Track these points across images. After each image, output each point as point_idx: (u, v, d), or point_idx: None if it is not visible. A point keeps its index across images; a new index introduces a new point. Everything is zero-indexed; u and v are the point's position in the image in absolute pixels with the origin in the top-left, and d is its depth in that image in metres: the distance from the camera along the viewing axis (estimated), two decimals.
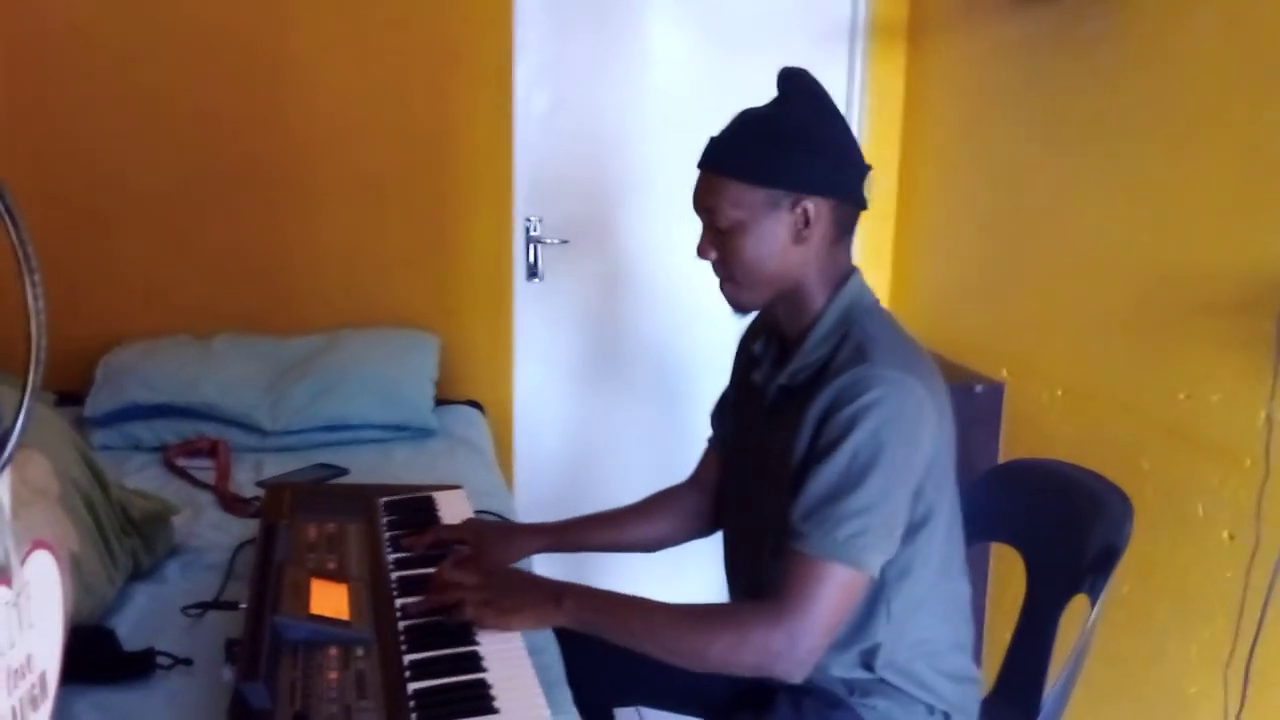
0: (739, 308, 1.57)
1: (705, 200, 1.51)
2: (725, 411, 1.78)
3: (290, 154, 2.84)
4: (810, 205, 1.47)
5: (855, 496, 1.37)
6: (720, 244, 1.51)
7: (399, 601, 1.48)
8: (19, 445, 0.71)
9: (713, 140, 1.52)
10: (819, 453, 1.41)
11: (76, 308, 2.72)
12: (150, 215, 2.80)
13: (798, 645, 1.36)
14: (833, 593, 1.37)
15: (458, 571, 1.53)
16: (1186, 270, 2.07)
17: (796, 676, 1.39)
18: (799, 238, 1.49)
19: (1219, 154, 1.99)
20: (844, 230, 1.53)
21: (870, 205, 1.55)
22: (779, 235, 1.48)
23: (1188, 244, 2.07)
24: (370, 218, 2.91)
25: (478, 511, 1.88)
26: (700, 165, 1.52)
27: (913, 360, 1.47)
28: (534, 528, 1.83)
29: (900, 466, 1.40)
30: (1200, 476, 2.03)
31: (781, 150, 1.46)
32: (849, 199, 1.51)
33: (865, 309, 1.52)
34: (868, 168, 1.53)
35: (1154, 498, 2.12)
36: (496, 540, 1.75)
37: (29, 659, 0.73)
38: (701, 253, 1.54)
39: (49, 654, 0.76)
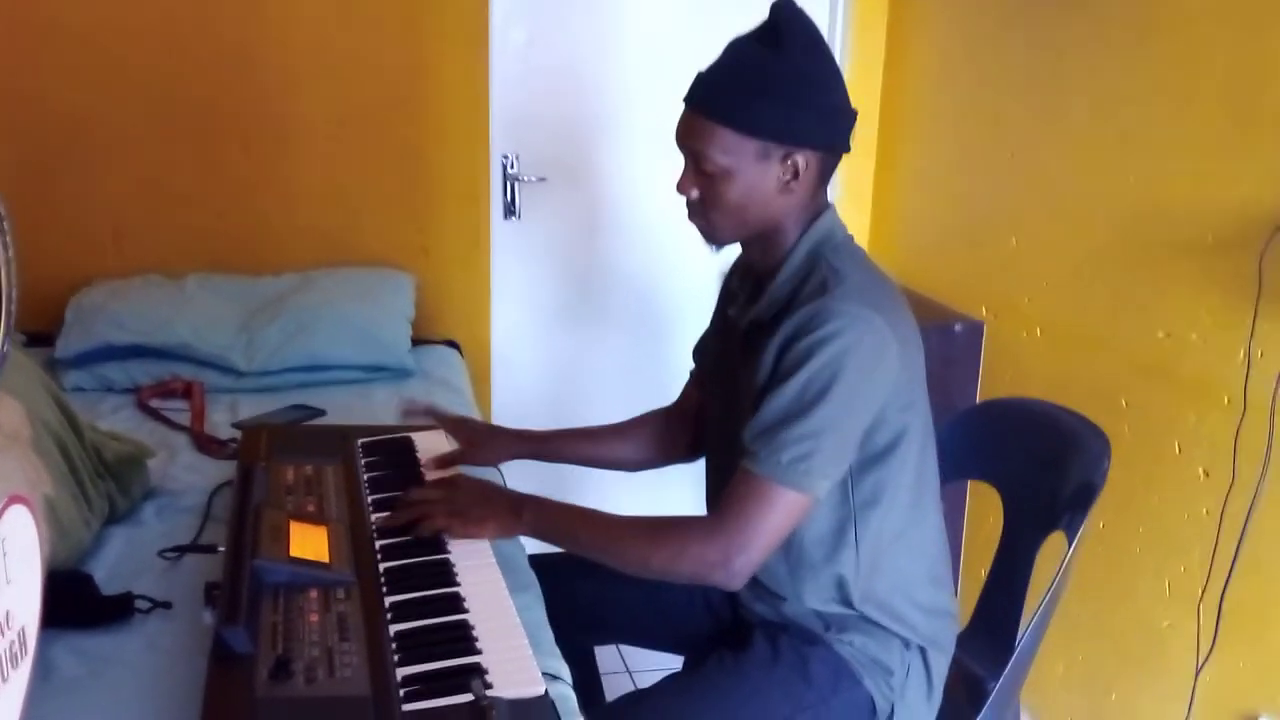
0: (712, 242, 1.56)
1: (692, 142, 1.48)
2: (706, 345, 1.78)
3: (261, 91, 2.78)
4: (800, 158, 1.45)
5: (804, 422, 1.38)
6: (703, 185, 1.49)
7: (379, 543, 1.47)
8: None
9: (701, 79, 1.48)
10: (776, 380, 1.42)
11: (45, 247, 2.67)
12: (119, 153, 2.74)
13: (733, 559, 1.40)
14: (771, 512, 1.40)
15: (425, 489, 1.60)
16: (1167, 210, 2.07)
17: (733, 586, 1.44)
18: (785, 189, 1.47)
19: (1201, 94, 1.98)
20: (827, 175, 1.52)
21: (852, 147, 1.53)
22: (765, 186, 1.46)
23: (1169, 184, 2.06)
24: (343, 155, 2.86)
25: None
26: (688, 103, 1.48)
27: (875, 294, 1.47)
28: (518, 433, 1.86)
29: (853, 398, 1.40)
30: (1178, 414, 2.05)
31: (776, 103, 1.42)
32: (838, 148, 1.50)
33: (834, 245, 1.52)
34: (855, 113, 1.51)
35: (1131, 435, 2.14)
36: (482, 438, 1.82)
37: (8, 615, 0.72)
38: (682, 189, 1.51)
39: (28, 610, 0.75)
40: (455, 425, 1.84)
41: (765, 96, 1.42)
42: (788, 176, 1.46)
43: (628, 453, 1.86)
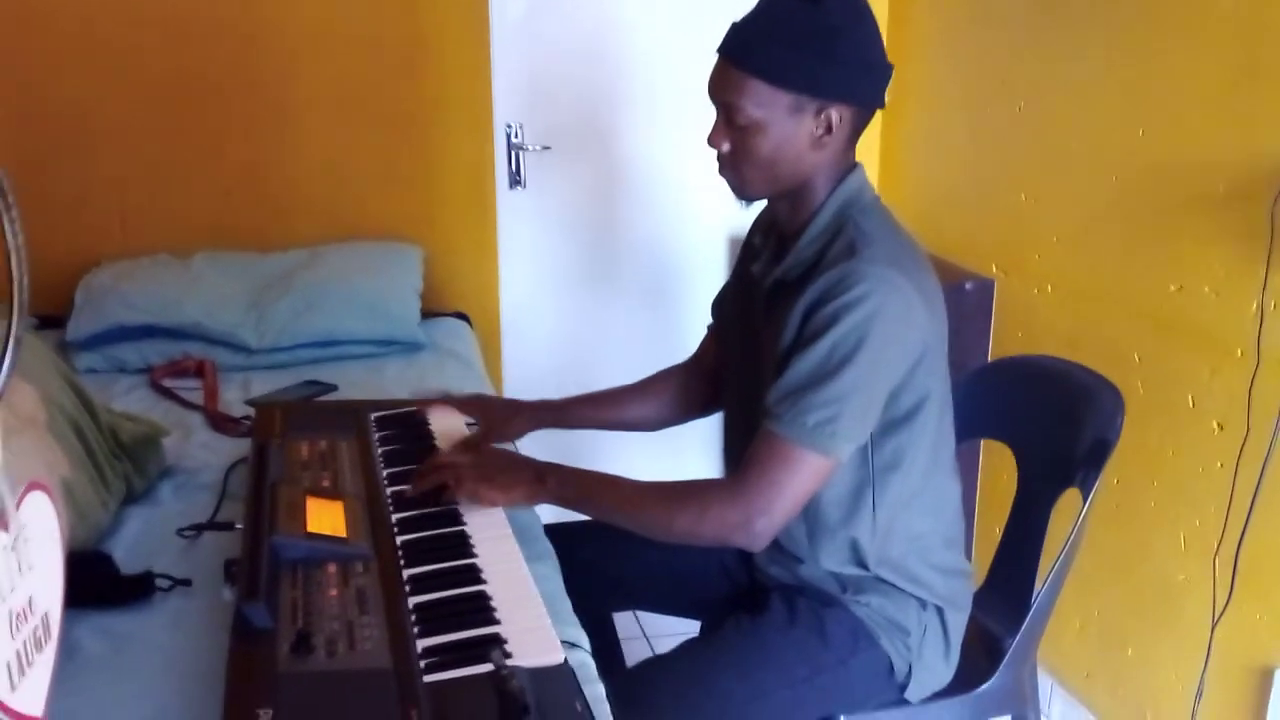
0: (742, 197, 1.55)
1: (725, 94, 1.45)
2: (726, 301, 1.78)
3: (264, 66, 2.77)
4: (834, 113, 1.44)
5: (830, 386, 1.38)
6: (734, 138, 1.47)
7: (395, 516, 1.48)
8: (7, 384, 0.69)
9: (736, 30, 1.45)
10: (802, 342, 1.42)
11: (53, 230, 2.67)
12: (125, 133, 2.73)
13: (754, 521, 1.40)
14: (794, 474, 1.40)
15: (449, 454, 1.60)
16: (1178, 161, 2.05)
17: (755, 547, 1.45)
18: (818, 143, 1.46)
19: (1212, 44, 1.96)
20: (859, 132, 1.51)
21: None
22: (798, 140, 1.45)
23: (1180, 135, 2.04)
24: (347, 129, 2.85)
25: (468, 424, 1.88)
26: (722, 54, 1.46)
27: (902, 257, 1.46)
28: (537, 404, 1.86)
29: (879, 362, 1.40)
30: (1191, 368, 2.04)
31: (812, 55, 1.40)
32: (872, 104, 1.49)
33: (862, 206, 1.51)
34: (891, 68, 1.49)
35: (1144, 390, 2.13)
36: (502, 416, 1.80)
37: (30, 601, 0.73)
38: (714, 143, 1.50)
39: (50, 595, 0.75)
40: (472, 405, 1.83)
41: (801, 49, 1.40)
42: (820, 131, 1.45)
43: (647, 412, 1.85)
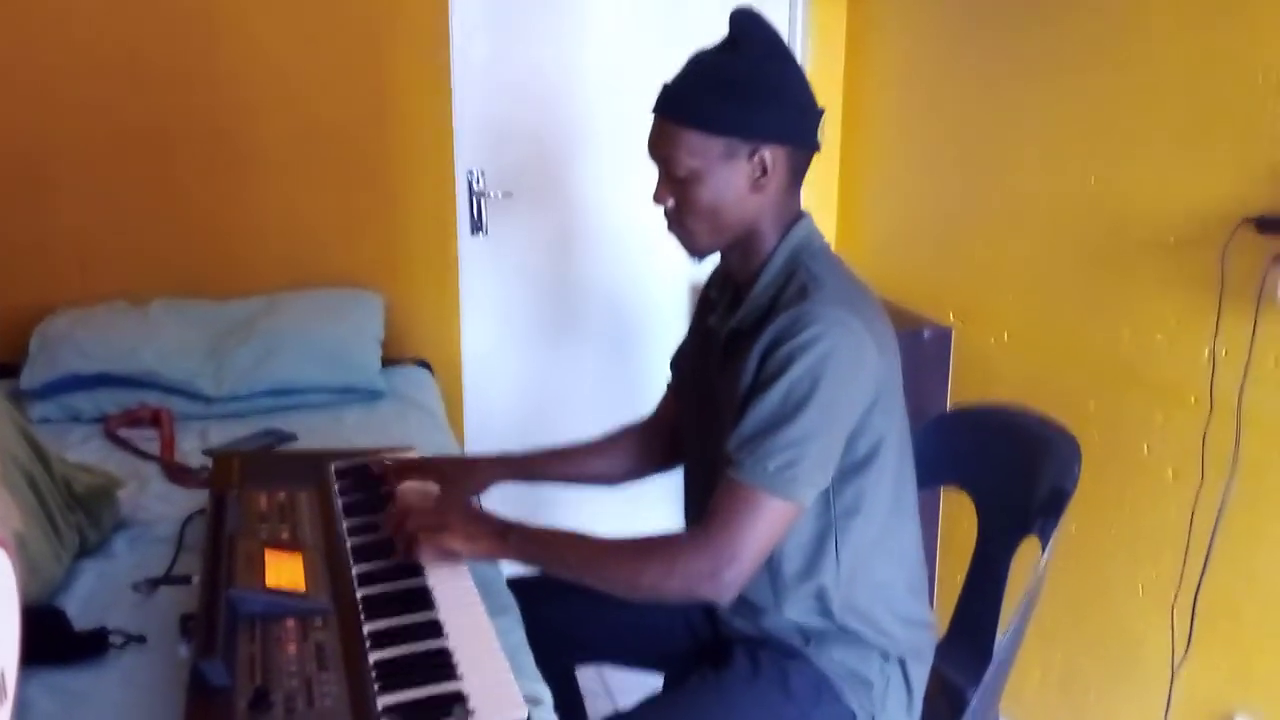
0: (693, 252, 1.57)
1: (661, 149, 1.49)
2: (684, 356, 1.79)
3: (224, 112, 2.76)
4: (767, 154, 1.47)
5: (789, 429, 1.39)
6: (677, 192, 1.50)
7: (355, 569, 1.46)
8: None
9: (666, 87, 1.50)
10: (758, 387, 1.43)
11: (7, 275, 2.64)
12: (82, 178, 2.71)
13: (722, 571, 1.39)
14: (759, 521, 1.40)
15: (413, 495, 1.60)
16: (1131, 211, 2.09)
17: (724, 599, 1.42)
18: (756, 186, 1.48)
19: (1163, 96, 2.01)
20: (798, 175, 1.54)
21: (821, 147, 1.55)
22: (736, 184, 1.48)
23: (1132, 185, 2.09)
24: (307, 176, 2.85)
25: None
26: (655, 112, 1.50)
27: (854, 299, 1.48)
28: (496, 459, 1.84)
29: (835, 403, 1.41)
30: (1145, 415, 2.07)
31: (737, 99, 1.44)
32: (804, 144, 1.51)
33: (813, 252, 1.53)
34: (821, 111, 1.52)
35: (1100, 438, 2.16)
36: (461, 473, 1.78)
37: None
38: (658, 199, 1.52)
39: (6, 654, 0.73)
40: (428, 469, 1.79)
41: (724, 95, 1.44)
42: (757, 173, 1.48)
43: (608, 467, 1.85)
